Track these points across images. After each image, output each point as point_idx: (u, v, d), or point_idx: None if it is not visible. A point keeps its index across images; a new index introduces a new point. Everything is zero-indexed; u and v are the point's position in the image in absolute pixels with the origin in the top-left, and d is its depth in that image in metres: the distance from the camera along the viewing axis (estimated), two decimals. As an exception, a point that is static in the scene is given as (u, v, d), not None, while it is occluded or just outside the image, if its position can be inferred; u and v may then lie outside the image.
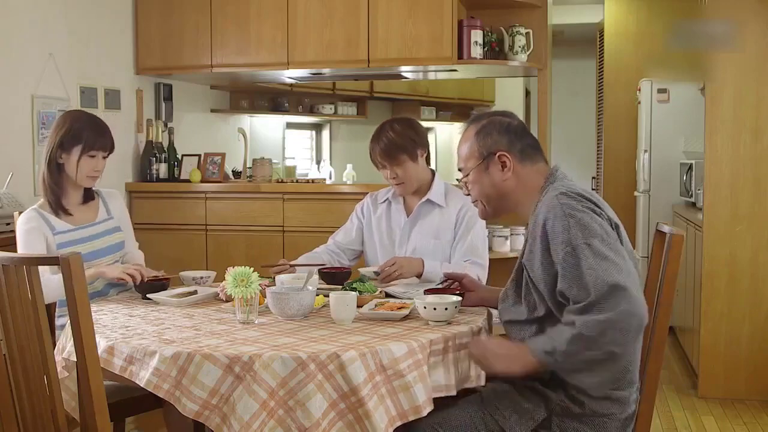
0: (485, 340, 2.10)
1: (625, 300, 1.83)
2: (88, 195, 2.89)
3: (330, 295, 2.29)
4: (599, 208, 2.01)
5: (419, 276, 2.88)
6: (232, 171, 5.03)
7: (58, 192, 2.77)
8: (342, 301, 2.23)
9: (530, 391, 2.04)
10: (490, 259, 3.04)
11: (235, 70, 4.74)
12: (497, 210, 2.23)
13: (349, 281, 2.59)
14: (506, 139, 2.16)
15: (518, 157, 2.15)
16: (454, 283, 2.50)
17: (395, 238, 3.08)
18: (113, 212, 2.94)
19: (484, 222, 3.01)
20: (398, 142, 2.97)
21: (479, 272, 2.90)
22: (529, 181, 2.15)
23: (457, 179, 2.27)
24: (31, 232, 2.71)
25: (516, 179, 2.15)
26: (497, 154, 2.14)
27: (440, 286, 2.52)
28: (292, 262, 2.97)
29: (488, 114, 2.24)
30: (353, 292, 2.35)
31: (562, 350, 1.88)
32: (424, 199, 3.05)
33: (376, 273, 2.79)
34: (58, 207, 2.78)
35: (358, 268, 2.92)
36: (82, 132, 2.75)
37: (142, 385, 1.95)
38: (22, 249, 2.70)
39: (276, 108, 6.53)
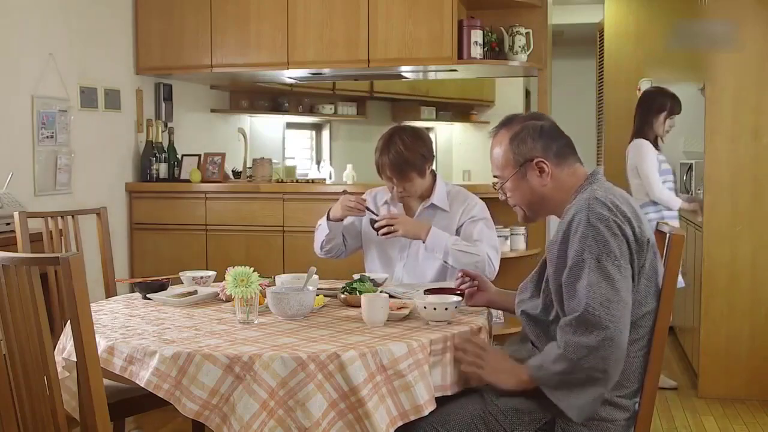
0: (486, 351, 2.09)
1: (610, 329, 1.87)
2: None
3: (362, 297, 2.24)
4: (628, 222, 1.97)
5: (424, 242, 2.84)
6: (232, 171, 5.02)
7: None
8: (375, 303, 2.19)
9: (533, 391, 2.03)
10: None
11: (235, 70, 4.74)
12: (538, 214, 2.23)
13: (348, 281, 2.58)
14: (541, 144, 2.13)
15: (555, 161, 2.13)
16: (466, 280, 2.46)
17: (397, 241, 3.04)
18: None
19: (488, 221, 2.99)
20: (409, 158, 2.90)
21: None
22: (567, 182, 2.13)
23: (493, 185, 2.25)
24: None
25: (554, 183, 2.13)
26: (534, 161, 2.12)
27: (452, 286, 2.51)
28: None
29: (520, 118, 2.20)
30: (384, 295, 2.28)
31: (548, 367, 1.95)
32: (427, 204, 3.02)
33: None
34: None
35: (362, 273, 2.79)
36: None
37: (142, 385, 1.95)
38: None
39: (276, 108, 6.52)
